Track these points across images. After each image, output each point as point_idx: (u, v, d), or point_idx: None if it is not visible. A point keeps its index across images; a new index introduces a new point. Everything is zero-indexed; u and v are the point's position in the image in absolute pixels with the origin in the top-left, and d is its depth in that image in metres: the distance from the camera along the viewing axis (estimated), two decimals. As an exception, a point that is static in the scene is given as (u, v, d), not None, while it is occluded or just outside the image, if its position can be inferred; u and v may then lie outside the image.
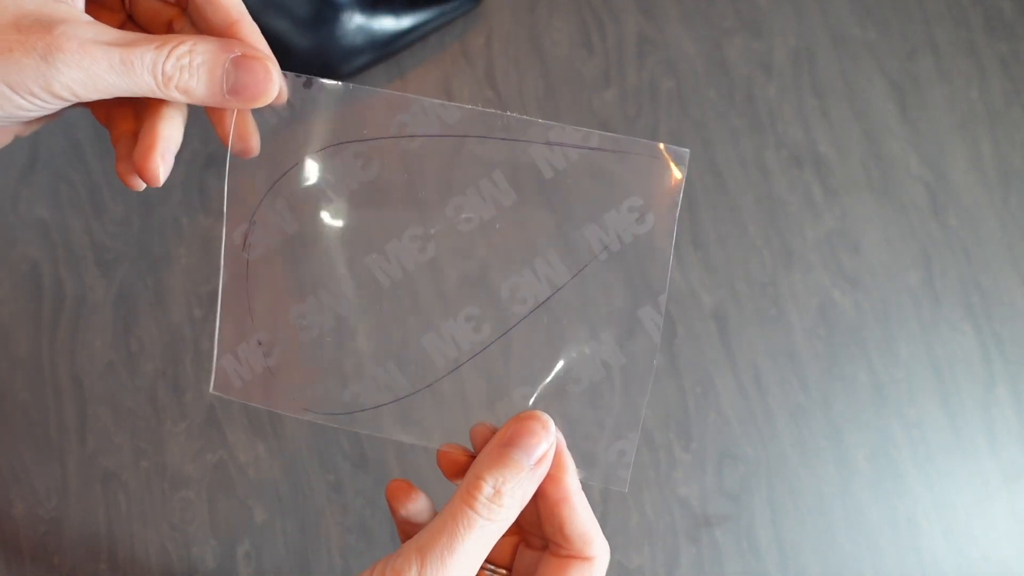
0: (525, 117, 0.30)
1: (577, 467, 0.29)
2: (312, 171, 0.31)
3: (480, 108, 0.30)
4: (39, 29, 0.25)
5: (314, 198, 0.32)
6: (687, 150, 0.30)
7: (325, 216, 0.32)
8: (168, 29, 0.31)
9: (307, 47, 0.51)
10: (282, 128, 0.31)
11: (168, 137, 0.29)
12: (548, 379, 0.30)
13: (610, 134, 0.30)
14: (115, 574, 0.48)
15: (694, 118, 0.56)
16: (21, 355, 0.50)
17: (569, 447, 0.29)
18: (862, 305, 0.54)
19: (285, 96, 0.31)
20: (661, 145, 0.30)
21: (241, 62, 0.28)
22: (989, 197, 0.56)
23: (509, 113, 0.30)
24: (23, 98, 0.26)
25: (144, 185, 0.30)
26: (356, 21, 0.52)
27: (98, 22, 0.27)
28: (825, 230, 0.55)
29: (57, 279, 0.51)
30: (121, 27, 0.31)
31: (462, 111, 0.30)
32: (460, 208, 0.31)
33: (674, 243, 0.30)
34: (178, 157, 0.57)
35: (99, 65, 0.26)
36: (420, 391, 0.31)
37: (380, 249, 0.31)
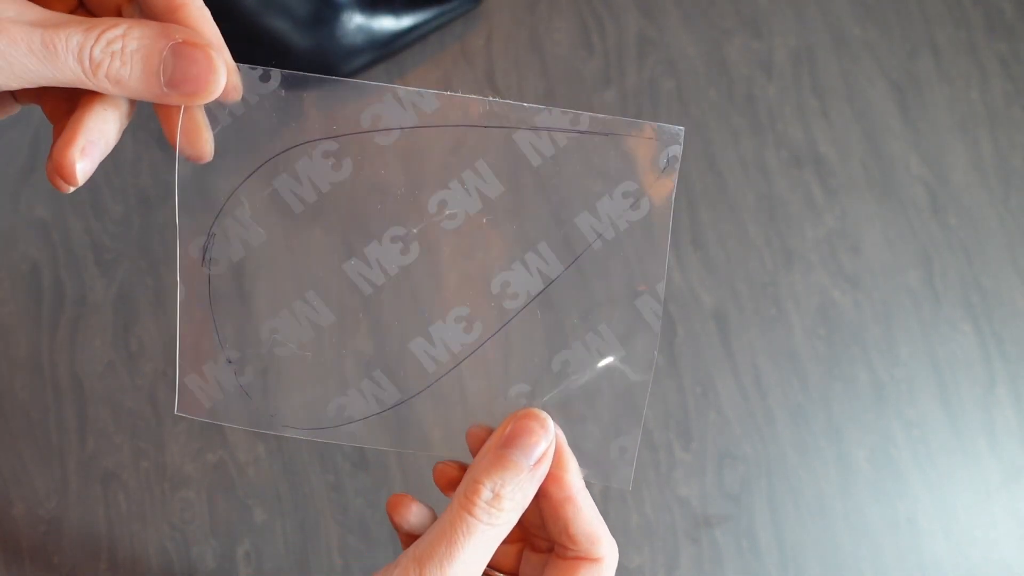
0: (509, 101, 0.28)
1: (579, 466, 0.28)
2: (277, 175, 0.28)
3: (460, 94, 0.28)
4: None
5: (281, 204, 0.29)
6: (681, 128, 0.28)
7: (295, 223, 0.29)
8: (118, 15, 0.26)
9: (307, 47, 0.51)
10: (240, 128, 0.28)
11: (93, 130, 0.25)
12: (545, 376, 0.29)
13: (600, 116, 0.28)
14: (115, 574, 0.48)
15: (694, 118, 0.56)
16: (21, 355, 0.50)
17: (570, 445, 0.28)
18: (862, 305, 0.54)
19: (239, 91, 0.27)
20: (654, 125, 0.28)
21: (181, 50, 0.24)
22: (989, 197, 0.56)
23: (491, 98, 0.28)
24: None
25: (69, 187, 0.25)
26: (356, 21, 0.52)
27: (22, 1, 0.23)
28: (825, 230, 0.55)
29: (57, 279, 0.51)
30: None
31: (440, 98, 0.27)
32: (444, 204, 0.28)
33: (671, 228, 0.29)
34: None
35: (17, 48, 0.22)
36: (411, 398, 0.29)
37: (359, 253, 0.28)
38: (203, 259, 0.29)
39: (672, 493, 0.50)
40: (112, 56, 0.23)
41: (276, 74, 0.28)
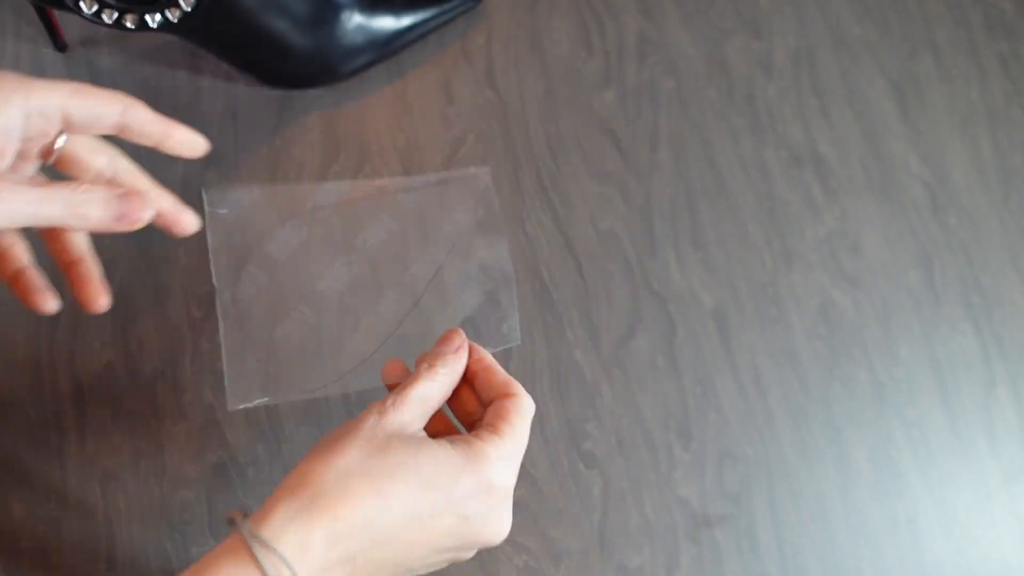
0: (393, 179, 0.50)
1: (486, 343, 0.42)
2: (270, 242, 0.47)
3: (361, 180, 0.50)
4: None
5: (274, 259, 0.47)
6: (487, 167, 0.50)
7: (285, 267, 0.47)
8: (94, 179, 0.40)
9: (307, 47, 0.51)
10: (234, 220, 0.46)
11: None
12: (461, 312, 0.48)
13: (441, 173, 0.51)
14: (114, 575, 0.48)
15: (694, 118, 0.56)
16: (20, 355, 0.50)
17: (475, 336, 0.42)
18: (862, 305, 0.54)
19: (196, 225, 0.41)
20: (473, 169, 0.49)
21: (123, 196, 0.36)
22: (989, 197, 0.56)
23: (377, 181, 0.50)
24: None
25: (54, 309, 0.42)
26: (356, 20, 0.52)
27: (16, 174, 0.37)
28: (825, 230, 0.55)
29: (57, 279, 0.51)
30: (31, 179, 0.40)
31: (352, 185, 0.49)
32: (366, 239, 0.48)
33: (499, 213, 0.48)
34: (177, 157, 0.56)
35: (19, 201, 0.34)
36: (380, 347, 0.46)
37: (322, 275, 0.47)
38: (233, 300, 0.45)
39: (672, 493, 0.50)
40: (85, 203, 0.35)
41: (232, 204, 0.46)
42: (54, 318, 0.50)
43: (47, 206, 0.34)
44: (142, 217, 0.37)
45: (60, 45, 0.53)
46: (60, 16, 0.53)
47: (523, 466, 0.50)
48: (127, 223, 0.36)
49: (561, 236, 0.54)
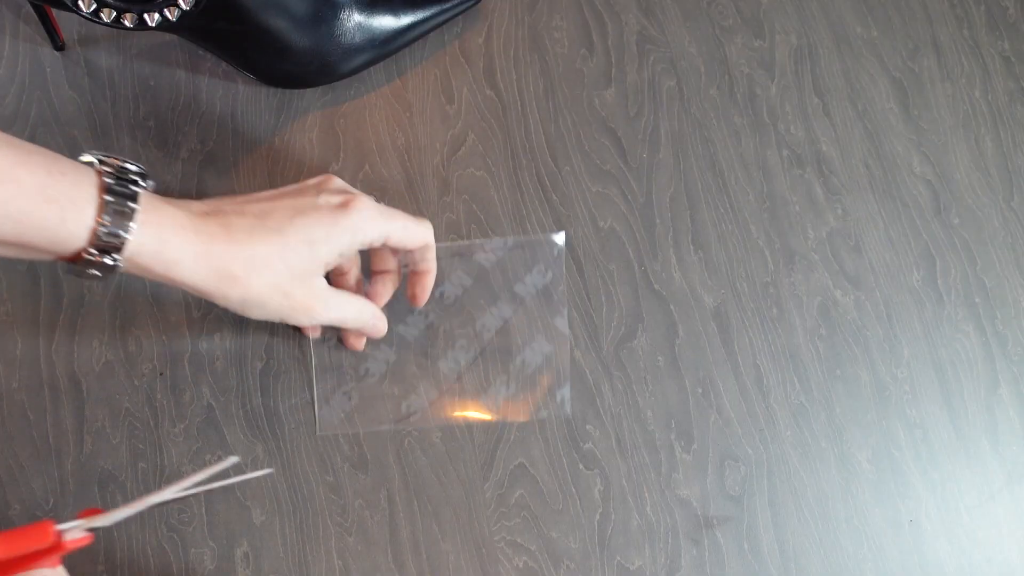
0: (469, 241, 0.53)
1: (537, 412, 0.51)
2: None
3: (445, 243, 0.53)
4: (315, 303, 0.44)
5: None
6: (563, 232, 0.53)
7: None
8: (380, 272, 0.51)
9: (306, 46, 0.51)
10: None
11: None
12: (513, 367, 0.52)
13: (517, 237, 0.53)
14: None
15: (695, 117, 0.56)
16: (19, 355, 0.50)
17: (531, 401, 0.49)
18: (864, 305, 0.53)
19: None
20: (546, 234, 0.53)
21: (375, 322, 0.48)
22: (992, 196, 0.55)
23: (457, 242, 0.53)
24: (286, 322, 0.44)
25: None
26: (355, 19, 0.52)
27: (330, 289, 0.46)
28: (827, 230, 0.54)
29: (55, 279, 0.51)
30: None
31: (446, 249, 0.53)
32: (443, 294, 0.52)
33: (564, 279, 0.52)
34: (176, 155, 0.56)
35: (324, 319, 0.45)
36: (442, 394, 0.52)
37: (403, 320, 0.52)
38: (323, 337, 0.51)
39: (673, 494, 0.50)
40: (353, 321, 0.47)
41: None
42: (54, 318, 0.50)
43: (356, 321, 0.46)
44: (380, 336, 0.50)
45: (58, 44, 0.53)
46: (58, 15, 0.53)
47: (523, 466, 0.50)
48: (373, 335, 0.50)
49: (561, 236, 0.54)
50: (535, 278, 0.52)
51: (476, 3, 0.55)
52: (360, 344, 0.51)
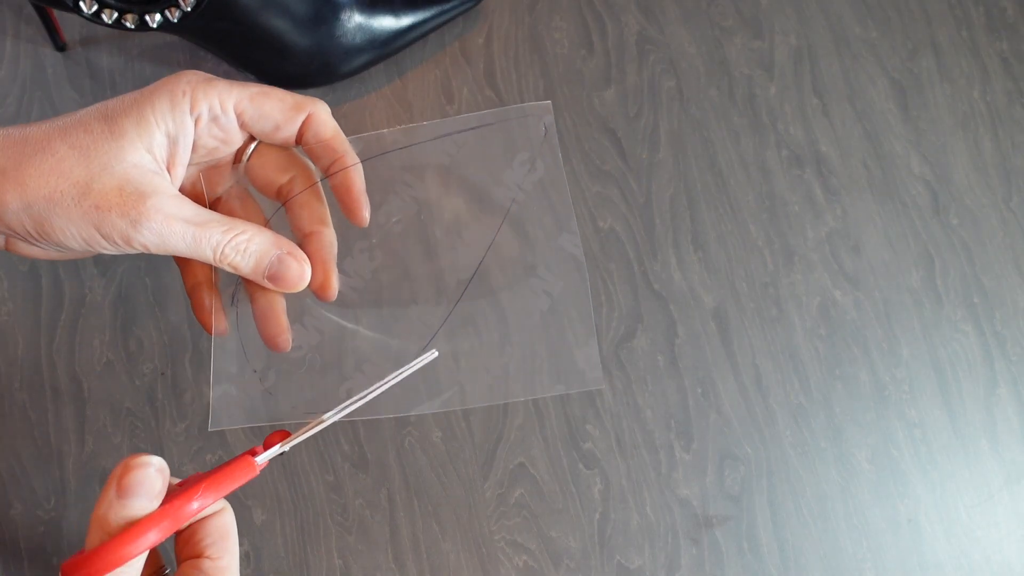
0: (409, 125, 0.36)
1: (555, 382, 0.35)
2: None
3: (371, 132, 0.36)
4: (136, 199, 0.32)
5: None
6: (548, 102, 0.37)
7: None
8: (276, 195, 0.38)
9: (306, 46, 0.51)
10: None
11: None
12: (507, 319, 0.36)
13: (482, 112, 0.36)
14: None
15: (695, 117, 0.56)
16: (20, 355, 0.50)
17: (543, 368, 0.35)
18: (863, 305, 0.53)
19: (334, 292, 0.36)
20: (524, 105, 0.34)
21: (283, 259, 0.35)
22: (991, 197, 0.55)
23: (387, 130, 0.36)
24: (107, 242, 0.32)
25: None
26: (355, 20, 0.52)
27: (182, 197, 0.34)
28: (826, 230, 0.54)
29: (56, 279, 0.51)
30: (227, 189, 0.38)
31: (360, 141, 0.36)
32: (389, 214, 0.36)
33: (564, 174, 0.36)
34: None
35: (174, 236, 0.33)
36: (405, 371, 0.34)
37: (341, 269, 0.36)
38: (232, 301, 0.38)
39: (673, 494, 0.50)
40: (236, 252, 0.34)
41: None
42: (55, 318, 0.50)
43: (199, 247, 0.33)
44: (296, 287, 0.35)
45: (60, 45, 0.53)
46: (60, 16, 0.53)
47: (523, 465, 0.50)
48: (279, 286, 0.35)
49: (561, 236, 0.54)
50: (517, 173, 0.35)
51: (476, 4, 0.55)
52: (281, 329, 0.37)
